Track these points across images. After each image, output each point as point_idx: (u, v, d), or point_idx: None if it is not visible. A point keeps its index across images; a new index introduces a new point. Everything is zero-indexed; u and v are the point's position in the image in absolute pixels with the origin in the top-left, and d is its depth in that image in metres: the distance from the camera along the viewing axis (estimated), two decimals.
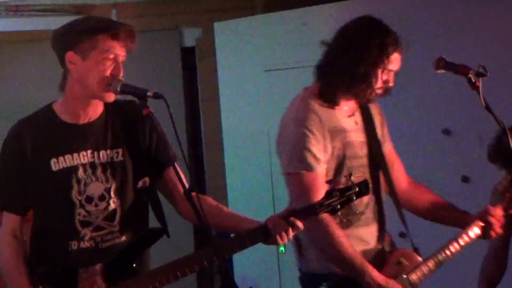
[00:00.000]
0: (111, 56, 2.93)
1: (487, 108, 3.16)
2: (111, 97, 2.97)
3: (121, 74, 2.96)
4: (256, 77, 5.59)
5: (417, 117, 5.00)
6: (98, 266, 3.01)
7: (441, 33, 4.90)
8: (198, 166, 6.25)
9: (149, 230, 3.20)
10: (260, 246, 3.40)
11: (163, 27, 6.39)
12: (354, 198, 3.17)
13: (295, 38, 5.42)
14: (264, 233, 3.03)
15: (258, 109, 5.60)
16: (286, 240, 3.03)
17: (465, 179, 4.80)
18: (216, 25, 5.85)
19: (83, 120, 3.03)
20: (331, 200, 3.14)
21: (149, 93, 2.82)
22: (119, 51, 2.94)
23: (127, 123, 3.11)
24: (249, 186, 5.78)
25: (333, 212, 3.16)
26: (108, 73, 2.92)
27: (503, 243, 3.72)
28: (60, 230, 3.02)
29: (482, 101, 3.11)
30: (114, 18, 5.89)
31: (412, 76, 4.93)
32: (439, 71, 3.34)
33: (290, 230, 3.01)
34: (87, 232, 3.01)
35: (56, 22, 5.42)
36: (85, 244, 3.02)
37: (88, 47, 2.92)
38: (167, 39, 6.47)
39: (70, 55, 2.93)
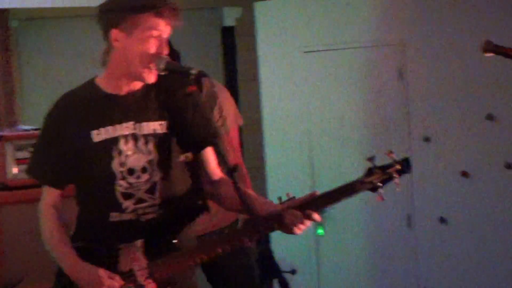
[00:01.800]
0: (155, 34, 2.92)
1: None
2: (152, 78, 2.99)
3: (166, 52, 2.97)
4: (296, 58, 5.60)
5: (460, 102, 4.97)
6: (139, 242, 3.03)
7: (485, 16, 4.86)
8: None
9: (190, 205, 3.20)
10: None
11: (204, 6, 6.40)
12: (396, 176, 3.11)
13: (337, 19, 5.43)
14: (278, 223, 3.01)
15: (298, 90, 5.62)
16: (300, 232, 2.99)
17: (508, 166, 4.77)
18: (257, 4, 5.83)
19: (125, 91, 3.05)
20: (372, 178, 3.11)
21: (193, 71, 2.85)
22: (163, 28, 2.94)
23: (172, 96, 3.11)
24: (288, 167, 5.80)
25: (374, 190, 3.11)
26: (152, 51, 2.93)
27: None
28: (102, 202, 3.05)
29: None
30: None
31: (455, 61, 4.98)
32: (487, 54, 3.25)
33: (306, 221, 2.99)
34: (129, 205, 3.03)
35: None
36: (127, 217, 3.04)
37: (132, 25, 2.92)
38: (207, 18, 6.48)
39: (114, 33, 2.95)
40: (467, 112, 4.91)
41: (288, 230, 2.97)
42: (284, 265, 3.89)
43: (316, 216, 2.97)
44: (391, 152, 3.12)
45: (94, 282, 2.92)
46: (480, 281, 4.90)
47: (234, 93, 6.38)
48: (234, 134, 4.26)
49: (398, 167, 3.09)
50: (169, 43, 3.68)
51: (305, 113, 5.57)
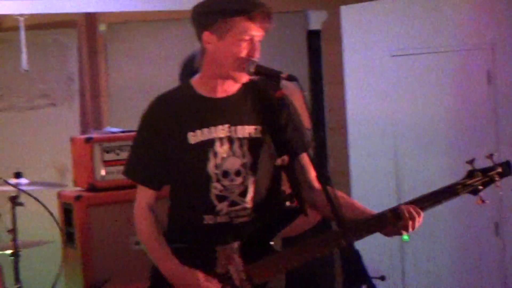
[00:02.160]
0: (247, 37, 2.94)
1: None
2: (243, 79, 3.00)
3: (257, 55, 2.97)
4: (382, 62, 5.63)
5: None
6: (235, 244, 3.04)
7: None
8: (321, 150, 6.29)
9: (286, 209, 3.20)
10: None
11: (290, 10, 6.43)
12: (497, 178, 3.08)
13: (425, 23, 5.45)
14: (393, 220, 3.00)
15: (384, 94, 5.63)
16: (412, 229, 2.98)
17: None
18: (343, 8, 5.87)
19: (220, 94, 3.06)
20: (473, 180, 3.09)
21: (282, 75, 2.86)
22: (256, 32, 2.95)
23: (266, 101, 3.12)
24: (373, 171, 5.80)
25: (474, 192, 3.11)
26: (243, 54, 2.95)
27: None
28: (196, 204, 3.08)
29: None
30: None
31: None
32: None
33: (418, 219, 2.99)
34: (223, 207, 3.05)
35: (186, 2, 5.90)
36: (220, 219, 3.06)
37: (223, 28, 2.94)
38: (293, 21, 6.52)
39: (206, 35, 2.97)
40: None
41: (395, 232, 2.98)
42: (368, 271, 3.88)
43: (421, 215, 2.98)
44: (491, 155, 3.09)
45: (192, 285, 2.97)
46: None
47: (319, 97, 6.39)
48: None
49: (499, 169, 3.09)
50: None
51: (391, 116, 5.59)
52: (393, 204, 3.47)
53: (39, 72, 6.19)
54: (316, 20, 6.57)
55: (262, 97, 3.13)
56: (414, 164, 5.39)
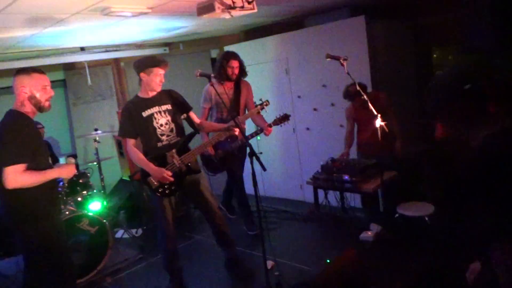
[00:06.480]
0: (160, 75, 3.43)
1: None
2: (159, 88, 3.46)
3: (163, 81, 3.37)
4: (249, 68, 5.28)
5: (312, 79, 5.05)
6: (174, 150, 3.47)
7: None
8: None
9: (190, 133, 3.56)
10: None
11: (203, 50, 6.91)
12: (287, 120, 3.71)
13: (259, 51, 5.86)
14: (228, 130, 3.44)
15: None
16: (237, 133, 3.30)
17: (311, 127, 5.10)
18: (225, 47, 6.26)
19: (150, 95, 3.50)
20: (279, 118, 3.70)
21: (212, 75, 3.30)
22: (162, 72, 3.44)
23: (169, 94, 3.57)
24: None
25: (277, 125, 3.59)
26: (158, 81, 3.45)
27: None
28: (152, 139, 3.48)
29: None
30: (181, 48, 6.62)
31: (314, 65, 5.08)
32: (327, 59, 3.38)
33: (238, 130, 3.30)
34: (164, 138, 3.45)
35: (154, 51, 6.28)
36: (165, 143, 3.48)
37: (150, 71, 3.41)
38: (204, 54, 7.02)
39: (142, 74, 3.46)
40: (312, 84, 5.09)
41: (231, 133, 3.34)
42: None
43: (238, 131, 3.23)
44: (285, 114, 3.58)
45: (159, 174, 3.35)
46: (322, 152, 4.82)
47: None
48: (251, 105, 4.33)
49: (286, 116, 3.81)
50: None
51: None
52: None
53: (97, 85, 6.52)
54: (214, 53, 7.16)
55: (168, 93, 3.48)
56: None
